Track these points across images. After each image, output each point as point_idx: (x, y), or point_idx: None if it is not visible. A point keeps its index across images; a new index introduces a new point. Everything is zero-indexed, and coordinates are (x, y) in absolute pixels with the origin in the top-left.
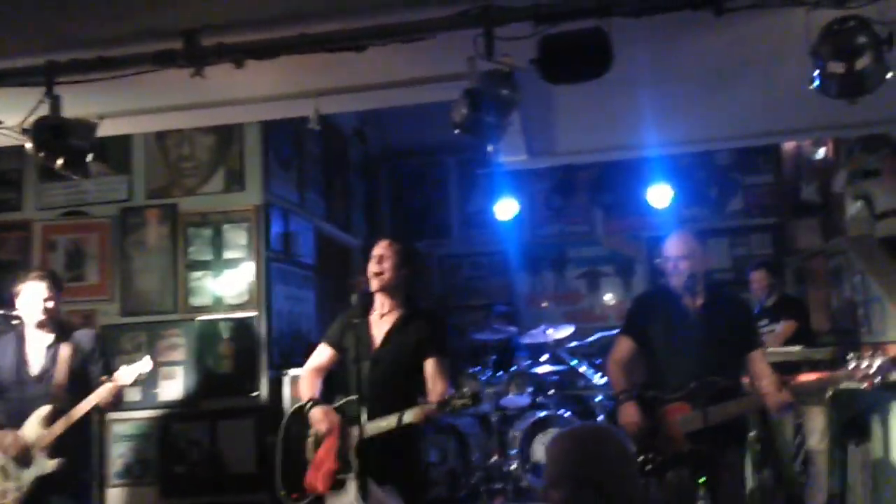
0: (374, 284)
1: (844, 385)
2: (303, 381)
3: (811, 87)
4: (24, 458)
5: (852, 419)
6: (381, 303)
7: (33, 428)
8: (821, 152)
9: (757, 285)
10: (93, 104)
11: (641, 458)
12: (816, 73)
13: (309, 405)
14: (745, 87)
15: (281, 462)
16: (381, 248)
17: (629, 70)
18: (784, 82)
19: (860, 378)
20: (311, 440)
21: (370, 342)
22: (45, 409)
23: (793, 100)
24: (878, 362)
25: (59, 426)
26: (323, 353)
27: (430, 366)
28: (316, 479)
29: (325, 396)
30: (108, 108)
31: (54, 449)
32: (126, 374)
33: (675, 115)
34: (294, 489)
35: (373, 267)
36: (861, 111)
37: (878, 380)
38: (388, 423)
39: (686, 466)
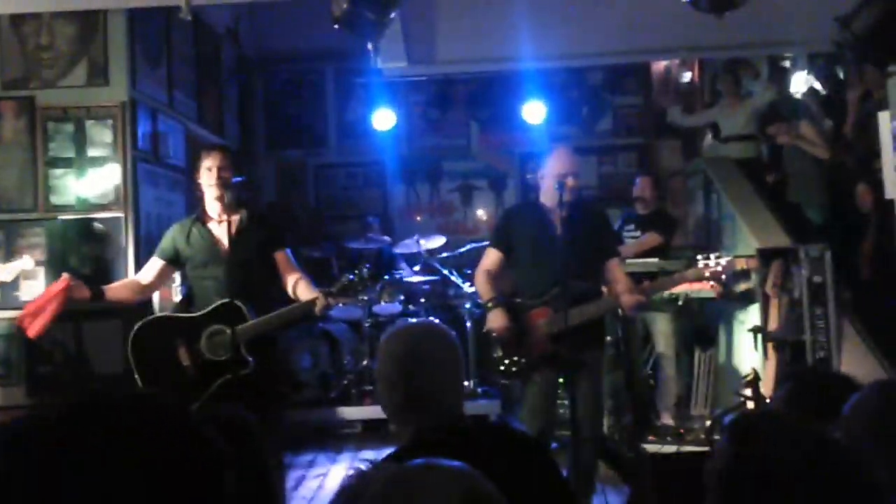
0: (215, 193)
1: (695, 294)
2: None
3: (682, 0)
4: None
5: (700, 327)
6: (216, 209)
7: None
8: (687, 76)
9: (641, 191)
10: None
11: (508, 360)
12: None
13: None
14: (619, 3)
15: (142, 380)
16: (217, 160)
17: None
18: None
19: (708, 275)
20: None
21: (217, 246)
22: None
23: (664, 19)
24: (724, 262)
25: None
26: (151, 265)
27: (281, 258)
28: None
29: None
30: None
31: None
32: (4, 271)
33: (551, 28)
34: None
35: (212, 177)
36: (727, 33)
37: (723, 278)
38: (281, 316)
39: (550, 367)
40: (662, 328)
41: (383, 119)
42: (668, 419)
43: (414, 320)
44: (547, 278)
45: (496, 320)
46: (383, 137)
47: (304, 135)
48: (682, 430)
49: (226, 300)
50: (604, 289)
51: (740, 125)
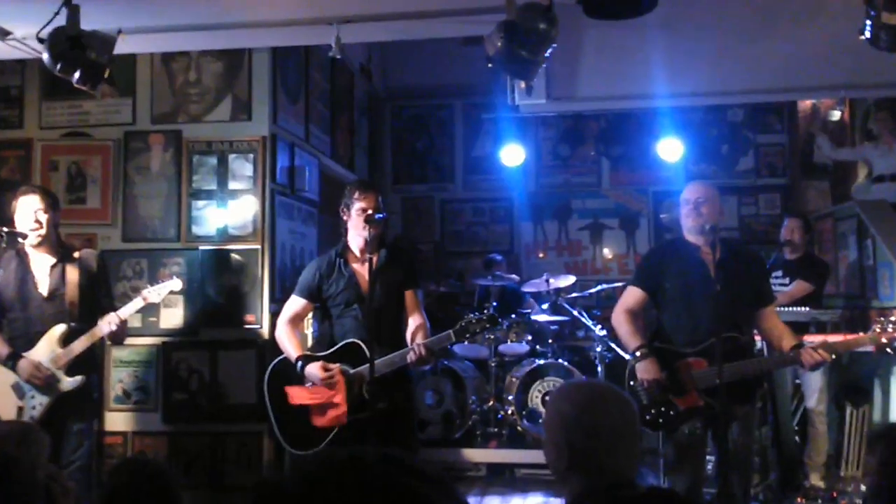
0: (366, 234)
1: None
2: (283, 335)
3: (861, 38)
4: (48, 384)
5: (852, 382)
6: (360, 247)
7: (48, 347)
8: (836, 114)
9: (790, 234)
10: (109, 18)
11: (654, 410)
12: (868, 23)
13: (300, 364)
14: (771, 40)
15: (276, 417)
16: (371, 202)
17: (658, 15)
18: (812, 37)
19: (886, 341)
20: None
21: (359, 285)
22: (60, 329)
23: (818, 56)
24: None
25: (81, 344)
26: (297, 305)
27: (410, 297)
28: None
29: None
30: (124, 23)
31: (71, 368)
32: (155, 292)
33: (695, 65)
34: (297, 441)
35: (366, 219)
36: (887, 71)
37: None
38: (399, 357)
39: (699, 420)
40: (816, 381)
41: (512, 155)
42: (817, 480)
43: (579, 373)
44: (701, 325)
45: (649, 371)
46: (511, 173)
47: (430, 170)
48: (834, 494)
49: (349, 341)
50: (756, 338)
51: None
